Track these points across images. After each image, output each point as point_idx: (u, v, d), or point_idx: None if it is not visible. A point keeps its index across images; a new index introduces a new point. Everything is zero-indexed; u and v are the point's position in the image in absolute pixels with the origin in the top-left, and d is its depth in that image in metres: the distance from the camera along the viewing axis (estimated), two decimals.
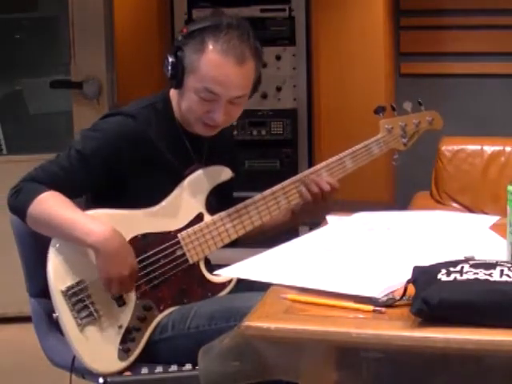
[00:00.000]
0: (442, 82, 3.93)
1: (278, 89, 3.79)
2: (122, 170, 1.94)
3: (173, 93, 2.04)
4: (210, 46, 1.89)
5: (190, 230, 1.98)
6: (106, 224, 1.84)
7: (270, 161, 3.83)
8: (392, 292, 1.51)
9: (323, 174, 2.08)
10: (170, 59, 1.94)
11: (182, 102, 1.98)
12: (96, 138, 1.95)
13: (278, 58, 3.77)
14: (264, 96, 3.75)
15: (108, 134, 1.94)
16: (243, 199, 2.07)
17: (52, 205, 1.86)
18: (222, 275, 1.91)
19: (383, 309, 1.45)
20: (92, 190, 2.00)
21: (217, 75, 1.89)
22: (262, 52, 1.97)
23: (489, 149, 3.37)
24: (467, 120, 3.83)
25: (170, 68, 1.94)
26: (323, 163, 2.12)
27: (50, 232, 1.88)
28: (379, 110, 2.18)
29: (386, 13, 3.72)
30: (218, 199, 2.08)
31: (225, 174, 2.06)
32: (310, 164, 3.79)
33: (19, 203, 1.88)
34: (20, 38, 4.01)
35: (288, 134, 3.81)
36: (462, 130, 3.50)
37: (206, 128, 1.98)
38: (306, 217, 2.16)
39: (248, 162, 3.79)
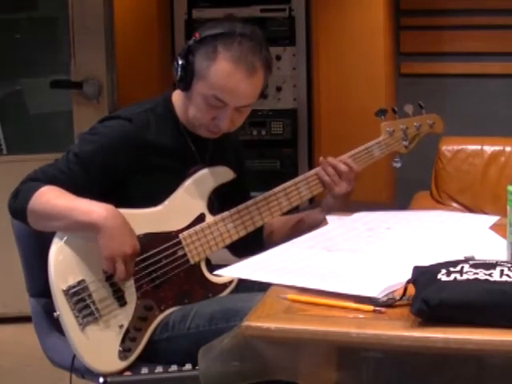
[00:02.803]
0: (442, 81, 3.93)
1: (278, 89, 3.80)
2: (121, 173, 1.95)
3: (176, 95, 2.04)
4: (222, 55, 1.89)
5: (191, 230, 1.99)
6: (106, 204, 1.84)
7: (270, 161, 3.83)
8: (392, 292, 1.51)
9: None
10: (180, 62, 1.93)
11: (190, 106, 1.98)
12: (94, 141, 1.95)
13: (278, 58, 3.77)
14: (264, 96, 3.74)
15: (105, 137, 1.95)
16: None
17: (51, 197, 1.86)
18: (222, 275, 1.91)
19: (383, 309, 1.45)
20: (91, 193, 2.00)
21: (226, 84, 1.90)
22: (271, 62, 1.99)
23: (489, 149, 3.37)
24: (467, 120, 3.83)
25: (179, 70, 1.94)
26: None
27: (51, 224, 1.88)
28: (380, 113, 2.18)
29: (386, 13, 3.72)
30: (221, 199, 2.08)
31: (227, 174, 2.07)
32: (310, 164, 3.80)
33: (18, 203, 1.89)
34: (20, 38, 4.01)
35: (288, 133, 3.81)
36: (462, 130, 3.51)
37: (209, 133, 2.00)
38: (337, 206, 2.16)
39: (248, 162, 3.77)
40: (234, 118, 1.98)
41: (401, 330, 1.36)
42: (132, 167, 1.95)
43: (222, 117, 1.94)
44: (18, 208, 1.89)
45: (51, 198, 1.86)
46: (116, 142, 1.94)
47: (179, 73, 1.94)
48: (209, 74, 1.90)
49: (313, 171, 2.12)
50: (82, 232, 1.86)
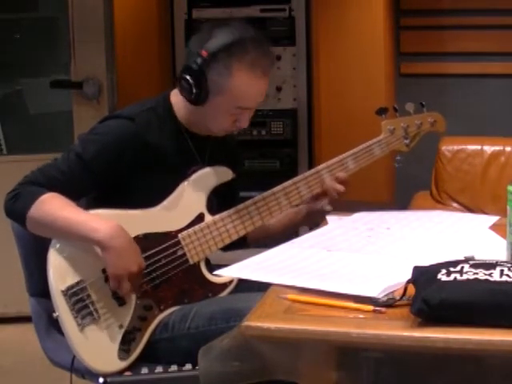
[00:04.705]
0: (442, 81, 3.93)
1: (278, 89, 3.79)
2: (123, 172, 1.95)
3: (174, 95, 2.04)
4: (237, 67, 1.90)
5: (190, 230, 1.99)
6: (111, 221, 1.84)
7: (270, 161, 3.83)
8: (392, 292, 1.51)
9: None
10: (191, 80, 1.92)
11: (207, 119, 1.99)
12: (96, 141, 1.95)
13: (278, 58, 3.76)
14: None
15: (108, 137, 1.95)
16: (243, 199, 2.07)
17: (54, 206, 1.86)
18: (222, 275, 1.91)
19: (383, 309, 1.45)
20: (91, 194, 2.00)
21: (247, 94, 1.93)
22: (274, 55, 2.03)
23: (489, 149, 3.37)
24: (467, 120, 3.83)
25: (193, 89, 1.92)
26: (324, 164, 2.12)
27: (52, 233, 1.88)
28: (381, 112, 2.19)
29: (386, 13, 3.72)
30: (219, 199, 2.08)
31: (226, 174, 2.07)
32: (310, 164, 3.79)
33: (18, 208, 1.88)
34: (20, 38, 4.00)
35: (288, 134, 3.81)
36: (462, 130, 3.50)
37: (225, 132, 2.04)
38: (314, 218, 2.19)
39: (248, 162, 3.79)
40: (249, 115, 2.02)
41: (401, 330, 1.36)
42: (133, 167, 1.95)
43: (244, 119, 1.98)
44: (17, 212, 1.89)
45: (54, 209, 1.85)
46: (119, 142, 1.94)
47: (194, 91, 1.92)
48: (228, 89, 1.92)
49: (313, 170, 2.12)
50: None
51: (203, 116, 1.99)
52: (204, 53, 1.91)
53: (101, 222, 1.84)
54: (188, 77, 1.92)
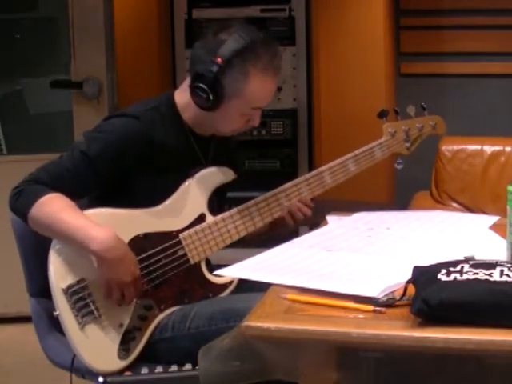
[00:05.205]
0: (442, 81, 3.93)
1: (278, 89, 3.79)
2: (126, 171, 1.95)
3: (178, 95, 2.04)
4: (252, 72, 1.93)
5: (191, 230, 1.99)
6: (109, 231, 1.84)
7: (270, 161, 3.83)
8: (392, 292, 1.51)
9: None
10: (206, 87, 1.92)
11: (218, 122, 2.00)
12: (101, 139, 1.95)
13: None
14: None
15: (113, 135, 1.94)
16: (243, 199, 2.07)
17: (54, 209, 1.85)
18: (223, 275, 1.91)
19: (383, 309, 1.45)
20: (95, 191, 2.00)
21: (263, 94, 1.97)
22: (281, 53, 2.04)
23: (489, 149, 3.37)
24: (467, 120, 3.83)
25: (210, 98, 1.92)
26: (325, 166, 2.13)
27: (51, 235, 1.88)
28: (383, 114, 2.19)
29: (386, 13, 3.72)
30: (220, 200, 2.08)
31: (228, 175, 2.07)
32: (310, 164, 3.79)
33: (20, 205, 1.88)
34: (20, 38, 4.00)
35: (288, 133, 3.80)
36: (461, 130, 3.50)
37: (235, 132, 2.06)
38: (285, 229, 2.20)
39: (248, 162, 3.79)
40: None
41: (401, 330, 1.36)
42: (136, 166, 1.94)
43: (257, 118, 2.01)
44: (19, 210, 1.89)
45: (52, 212, 1.85)
46: (124, 140, 1.93)
47: (211, 98, 1.92)
48: (244, 93, 1.93)
49: (314, 172, 2.12)
50: None
51: (214, 118, 1.99)
52: (219, 60, 1.90)
53: (98, 231, 1.83)
54: (203, 85, 1.92)
